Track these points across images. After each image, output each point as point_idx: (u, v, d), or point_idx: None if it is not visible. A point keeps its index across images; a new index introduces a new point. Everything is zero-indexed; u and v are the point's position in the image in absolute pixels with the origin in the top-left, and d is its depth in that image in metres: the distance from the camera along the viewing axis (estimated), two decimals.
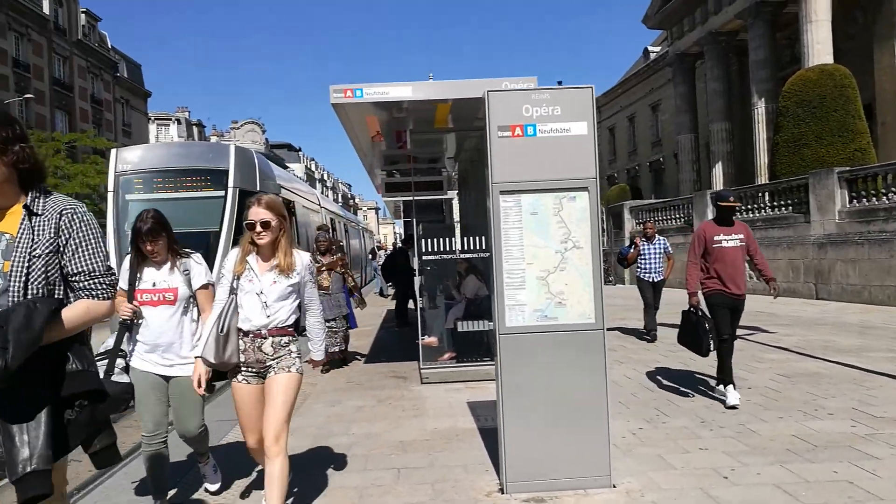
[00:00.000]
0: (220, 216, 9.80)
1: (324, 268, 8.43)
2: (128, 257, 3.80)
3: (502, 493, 4.02)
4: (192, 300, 3.82)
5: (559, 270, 4.05)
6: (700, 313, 5.95)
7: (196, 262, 3.87)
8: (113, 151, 10.35)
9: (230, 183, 10.01)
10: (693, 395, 6.29)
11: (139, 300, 3.69)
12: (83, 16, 45.38)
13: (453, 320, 7.76)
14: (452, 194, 13.35)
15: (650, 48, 41.21)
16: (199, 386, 3.47)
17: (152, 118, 61.56)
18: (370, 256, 28.08)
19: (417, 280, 8.39)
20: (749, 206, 17.86)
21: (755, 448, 4.68)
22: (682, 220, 20.99)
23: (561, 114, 4.08)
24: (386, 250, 22.24)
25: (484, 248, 7.22)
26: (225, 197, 9.93)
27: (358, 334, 12.19)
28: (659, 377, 7.18)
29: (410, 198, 9.67)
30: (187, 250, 3.91)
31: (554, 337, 4.03)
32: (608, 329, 4.14)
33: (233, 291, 3.49)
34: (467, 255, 7.44)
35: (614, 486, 4.02)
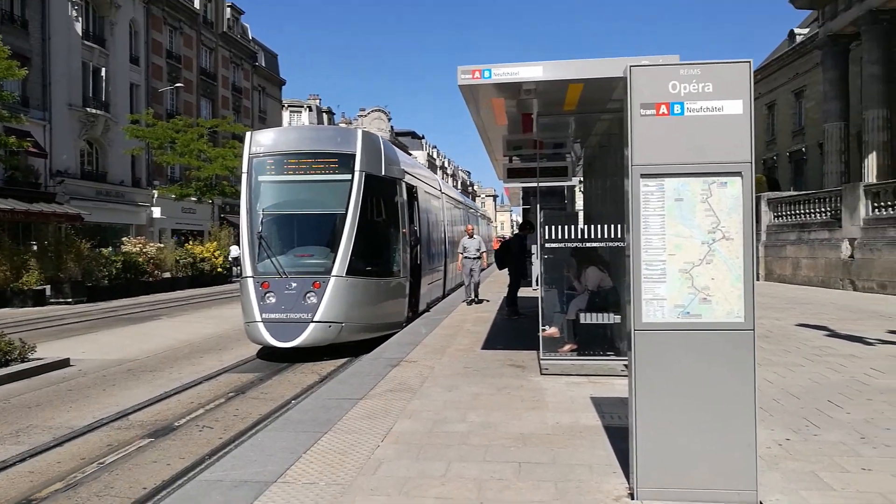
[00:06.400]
0: (347, 199, 9.98)
1: None
2: None
3: (632, 498, 3.74)
4: None
5: (705, 263, 3.69)
6: None
7: None
8: (248, 134, 10.81)
9: (357, 167, 10.17)
10: (848, 407, 5.62)
11: None
12: (228, 9, 48.41)
13: (575, 311, 7.47)
14: (575, 181, 12.93)
15: (797, 30, 38.11)
16: None
17: (286, 105, 64.85)
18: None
19: (535, 268, 7.99)
20: None
21: None
22: (829, 213, 19.22)
23: (713, 91, 3.70)
24: (502, 238, 21.67)
25: (611, 237, 6.84)
26: (351, 180, 10.10)
27: (476, 319, 12.11)
28: (805, 383, 6.51)
29: (533, 184, 9.41)
30: None
31: (697, 336, 3.68)
32: None
33: None
34: (594, 244, 7.06)
35: (760, 503, 3.63)
